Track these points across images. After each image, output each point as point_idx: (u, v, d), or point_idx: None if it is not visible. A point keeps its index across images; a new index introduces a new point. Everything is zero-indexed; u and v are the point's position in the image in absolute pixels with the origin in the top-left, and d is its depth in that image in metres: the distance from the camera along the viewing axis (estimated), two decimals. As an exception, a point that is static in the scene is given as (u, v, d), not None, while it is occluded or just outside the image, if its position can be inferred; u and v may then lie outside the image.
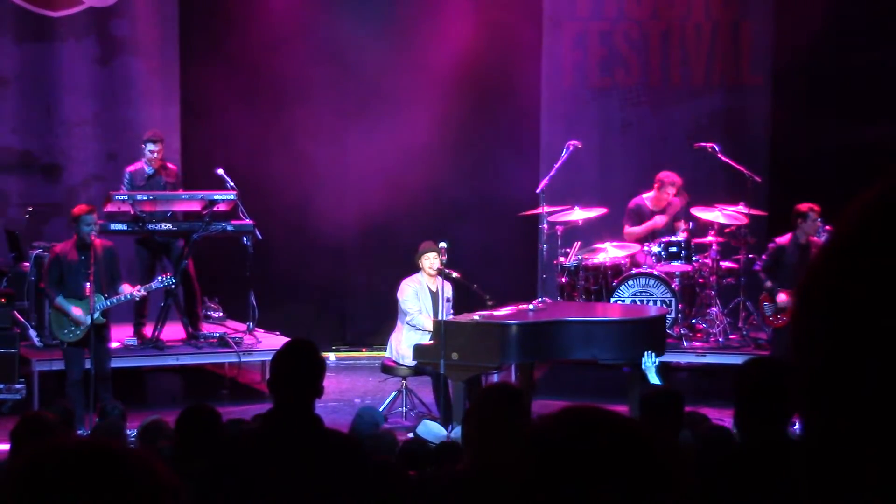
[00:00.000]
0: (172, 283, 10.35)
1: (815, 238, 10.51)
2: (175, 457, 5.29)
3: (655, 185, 11.71)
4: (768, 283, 10.61)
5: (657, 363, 9.17)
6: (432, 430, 8.37)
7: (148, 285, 10.07)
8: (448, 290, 9.89)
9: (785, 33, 13.14)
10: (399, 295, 10.08)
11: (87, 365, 9.53)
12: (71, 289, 9.53)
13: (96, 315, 9.48)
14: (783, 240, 10.66)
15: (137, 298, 10.23)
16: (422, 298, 10.04)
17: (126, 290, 9.75)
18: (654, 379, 8.94)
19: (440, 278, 9.90)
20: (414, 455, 5.87)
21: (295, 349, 4.31)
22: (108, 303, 9.60)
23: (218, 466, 4.21)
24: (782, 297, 10.48)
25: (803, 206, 10.53)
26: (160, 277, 10.23)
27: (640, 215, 11.69)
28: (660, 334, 9.95)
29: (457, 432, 8.77)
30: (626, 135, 13.62)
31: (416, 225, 12.73)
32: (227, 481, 4.09)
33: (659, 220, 11.60)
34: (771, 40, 13.35)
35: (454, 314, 9.84)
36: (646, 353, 9.07)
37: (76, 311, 9.49)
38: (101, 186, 12.51)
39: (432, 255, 9.99)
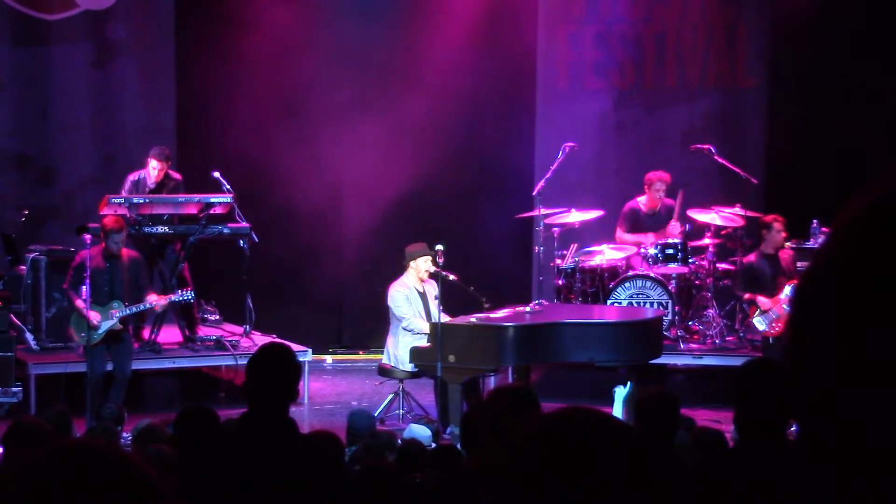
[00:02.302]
0: (192, 299, 10.46)
1: (783, 250, 10.54)
2: (173, 457, 5.29)
3: (645, 187, 11.73)
4: (747, 296, 10.56)
5: (627, 393, 9.32)
6: (417, 433, 8.39)
7: (169, 297, 10.18)
8: (435, 289, 9.90)
9: (781, 35, 13.15)
10: (390, 302, 10.06)
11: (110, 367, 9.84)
12: (93, 295, 9.68)
13: (114, 322, 9.72)
14: (750, 258, 10.66)
15: (159, 310, 10.33)
16: (413, 302, 10.03)
17: (150, 299, 9.90)
18: (617, 411, 9.08)
19: (428, 279, 9.94)
20: (412, 457, 5.87)
21: (269, 353, 4.29)
22: (129, 311, 9.78)
23: (203, 470, 4.20)
24: (764, 301, 10.35)
25: (768, 217, 10.60)
26: (181, 291, 10.32)
27: (635, 219, 11.69)
28: (656, 336, 9.96)
29: (455, 434, 8.79)
30: (622, 137, 13.62)
31: (412, 227, 12.71)
32: (208, 485, 4.07)
33: (650, 238, 11.53)
34: (767, 42, 13.35)
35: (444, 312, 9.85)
36: (617, 388, 9.27)
37: (92, 314, 9.64)
38: (97, 189, 12.48)
39: (427, 258, 9.96)
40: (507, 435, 3.84)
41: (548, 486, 1.43)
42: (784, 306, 10.24)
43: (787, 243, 10.78)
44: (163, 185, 11.08)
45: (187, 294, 10.33)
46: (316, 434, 5.06)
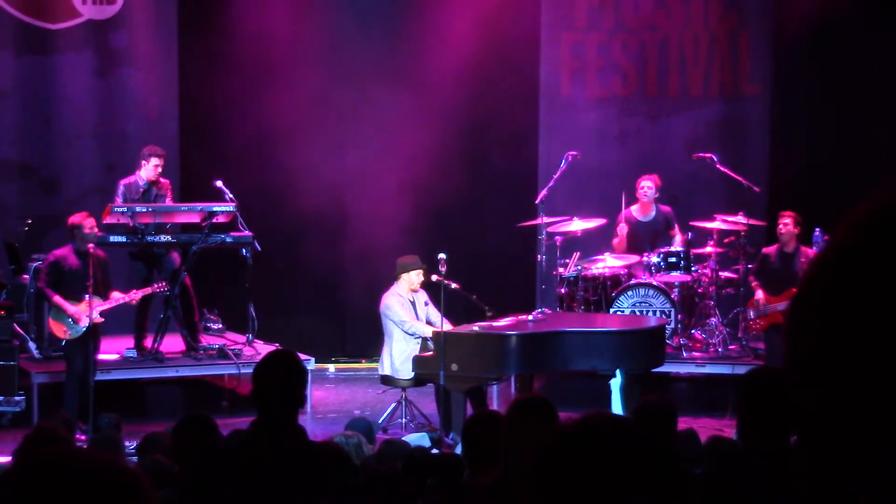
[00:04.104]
0: (167, 291, 10.49)
1: (805, 248, 10.68)
2: (171, 466, 5.29)
3: (636, 193, 11.79)
4: (754, 283, 10.94)
5: (622, 383, 9.36)
6: (417, 441, 8.40)
7: (145, 290, 10.24)
8: (424, 295, 10.06)
9: (783, 43, 13.16)
10: (385, 310, 10.07)
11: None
12: (70, 293, 9.81)
13: (95, 315, 9.77)
14: (769, 249, 10.94)
15: (135, 303, 10.35)
16: (407, 310, 10.07)
17: (115, 296, 9.96)
18: (616, 404, 9.10)
19: (419, 288, 10.04)
20: (418, 464, 5.86)
21: (275, 360, 4.29)
22: (109, 305, 9.91)
23: (204, 478, 4.20)
24: (759, 295, 10.69)
25: (782, 214, 10.85)
26: (156, 285, 10.37)
27: (631, 226, 11.68)
28: (659, 345, 9.95)
29: (456, 440, 8.78)
30: (625, 145, 13.63)
31: (414, 236, 12.74)
32: (214, 493, 4.08)
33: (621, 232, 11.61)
34: (769, 49, 13.36)
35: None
36: (612, 381, 9.32)
37: (73, 309, 9.75)
38: (99, 198, 12.48)
39: (419, 272, 10.02)
40: (522, 449, 3.75)
41: (578, 494, 1.44)
42: (775, 306, 10.48)
43: (809, 248, 10.76)
44: (153, 186, 11.04)
45: (164, 290, 10.43)
46: (323, 443, 5.07)
